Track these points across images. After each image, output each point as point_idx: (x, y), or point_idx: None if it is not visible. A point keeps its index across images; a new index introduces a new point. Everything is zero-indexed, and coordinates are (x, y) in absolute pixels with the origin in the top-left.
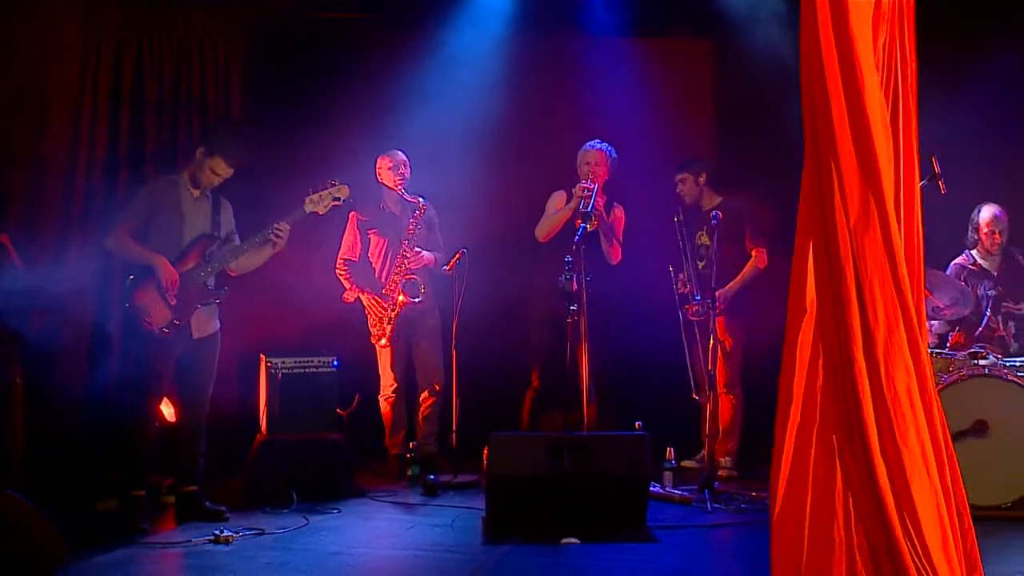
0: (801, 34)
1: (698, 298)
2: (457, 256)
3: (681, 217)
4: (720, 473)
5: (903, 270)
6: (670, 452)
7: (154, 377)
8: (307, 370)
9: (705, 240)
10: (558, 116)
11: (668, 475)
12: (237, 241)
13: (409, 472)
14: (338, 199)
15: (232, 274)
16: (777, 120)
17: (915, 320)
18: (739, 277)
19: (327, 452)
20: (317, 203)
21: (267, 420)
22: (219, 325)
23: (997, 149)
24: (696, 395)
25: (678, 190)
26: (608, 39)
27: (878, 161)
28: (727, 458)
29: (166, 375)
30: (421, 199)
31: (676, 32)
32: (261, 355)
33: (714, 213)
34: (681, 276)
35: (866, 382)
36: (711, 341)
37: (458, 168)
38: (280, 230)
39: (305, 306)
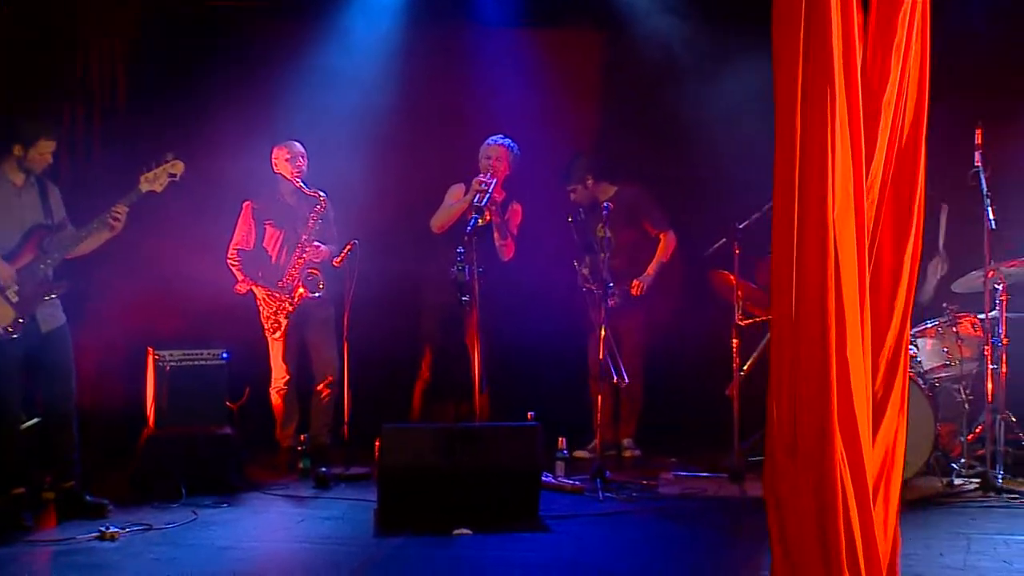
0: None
1: (611, 285)
2: (348, 248)
3: (581, 216)
4: (625, 454)
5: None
6: (562, 442)
7: (4, 377)
8: (196, 363)
9: (606, 232)
10: (450, 107)
11: (560, 465)
12: (71, 227)
13: (300, 465)
14: (174, 175)
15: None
16: (666, 108)
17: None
18: (654, 262)
19: (216, 445)
20: (153, 181)
21: (155, 414)
22: (65, 317)
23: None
24: (616, 380)
25: (572, 199)
26: (500, 30)
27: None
28: (629, 439)
29: (16, 375)
30: (322, 193)
31: (567, 23)
32: (149, 348)
33: (605, 204)
34: (584, 271)
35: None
36: (603, 329)
37: (351, 159)
38: (118, 213)
39: (195, 297)
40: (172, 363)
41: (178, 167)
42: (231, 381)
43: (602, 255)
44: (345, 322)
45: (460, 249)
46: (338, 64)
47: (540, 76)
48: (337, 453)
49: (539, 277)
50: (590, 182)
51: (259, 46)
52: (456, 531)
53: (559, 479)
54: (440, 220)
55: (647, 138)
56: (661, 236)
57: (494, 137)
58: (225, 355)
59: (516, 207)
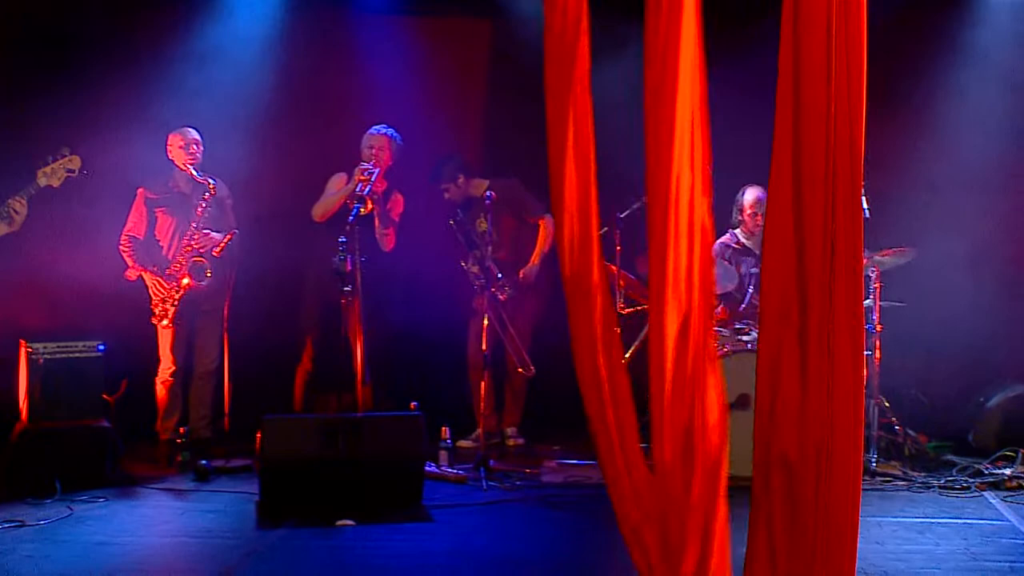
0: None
1: (501, 278)
2: (228, 238)
3: (460, 216)
4: (509, 443)
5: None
6: (445, 432)
7: None
8: (71, 355)
9: (485, 226)
10: (333, 95)
11: (444, 454)
12: None
13: (180, 458)
14: (71, 171)
15: None
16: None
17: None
18: (537, 251)
19: (92, 439)
20: (50, 176)
21: (28, 408)
22: None
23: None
24: (522, 370)
25: (446, 197)
26: (384, 17)
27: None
28: (512, 428)
29: None
30: (212, 180)
31: (453, 11)
32: (21, 341)
33: (487, 194)
34: (475, 268)
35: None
36: (484, 320)
37: (232, 147)
38: (16, 207)
39: (73, 288)
40: (46, 356)
41: (75, 162)
42: (109, 373)
43: (487, 249)
44: (225, 312)
45: (342, 239)
46: (220, 50)
47: (424, 65)
48: (217, 446)
49: (421, 267)
50: (461, 180)
51: (142, 30)
52: (339, 522)
53: (443, 469)
54: (321, 209)
55: (534, 127)
56: (540, 223)
57: (377, 127)
58: (101, 347)
59: (398, 197)
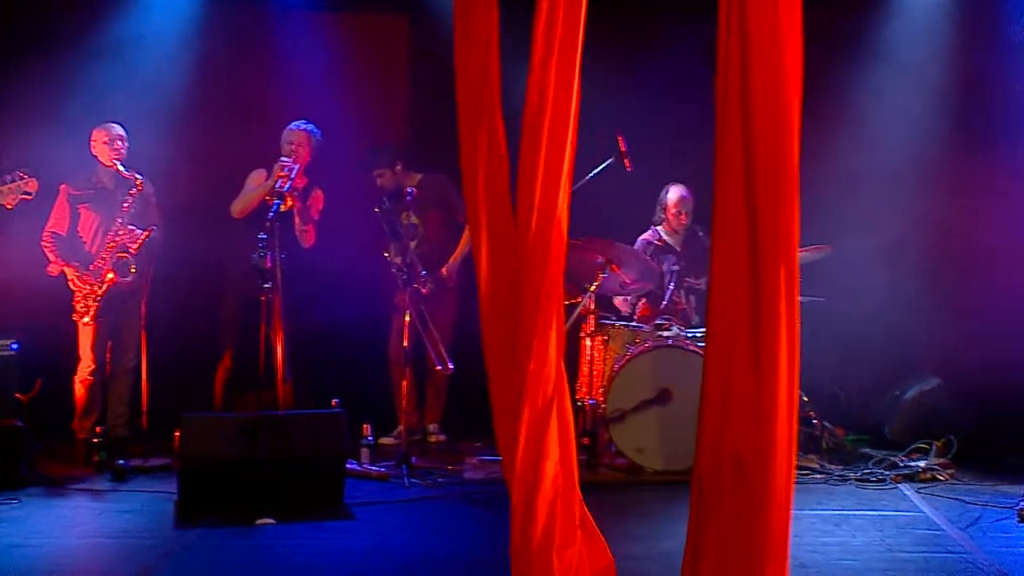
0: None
1: (424, 274)
2: (146, 234)
3: (387, 204)
4: (431, 440)
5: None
6: (367, 429)
7: None
8: None
9: (413, 219)
10: (253, 91)
11: (366, 452)
12: None
13: (97, 457)
14: (28, 194)
15: None
16: None
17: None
18: (458, 251)
19: (5, 439)
20: (5, 195)
21: None
22: None
23: (685, 132)
24: (440, 367)
25: (378, 183)
26: (303, 13)
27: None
28: (434, 424)
29: None
30: (139, 176)
31: (372, 7)
32: None
33: (409, 191)
34: (397, 260)
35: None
36: (406, 316)
37: (150, 143)
38: None
39: None
40: None
41: (32, 185)
42: (24, 372)
43: (411, 243)
44: (143, 310)
45: (261, 235)
46: (136, 44)
47: (343, 61)
48: (136, 445)
49: (342, 263)
50: (399, 168)
51: (58, 24)
52: (259, 521)
53: (364, 466)
54: (240, 206)
55: (452, 124)
56: (467, 226)
57: (297, 122)
58: (14, 345)
59: (318, 193)
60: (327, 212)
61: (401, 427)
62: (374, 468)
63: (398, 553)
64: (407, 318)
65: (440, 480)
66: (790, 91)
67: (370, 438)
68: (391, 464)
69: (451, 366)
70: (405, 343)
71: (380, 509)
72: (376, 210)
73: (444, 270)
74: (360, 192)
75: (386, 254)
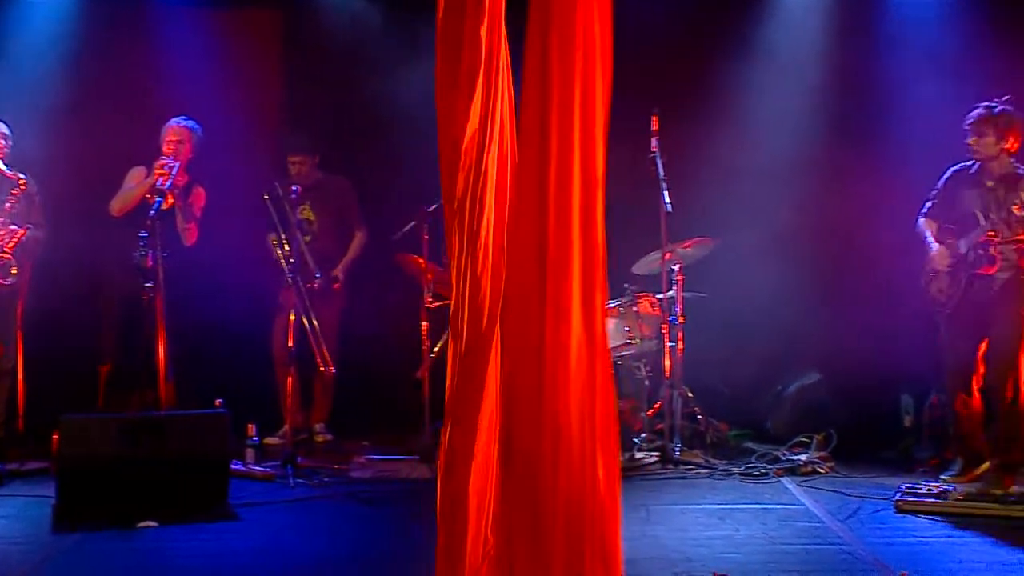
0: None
1: (319, 276)
2: (21, 234)
3: (279, 193)
4: (317, 439)
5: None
6: (252, 429)
7: None
8: None
9: (308, 215)
10: (131, 87)
11: (250, 452)
12: None
13: None
14: None
15: None
16: (353, 90)
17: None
18: (346, 259)
19: None
20: None
21: None
22: None
23: None
24: (323, 367)
25: (293, 171)
26: (182, 8)
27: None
28: (321, 424)
29: None
30: (22, 176)
31: (247, 3)
32: None
33: (293, 188)
34: (278, 251)
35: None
36: (291, 315)
37: (27, 140)
38: None
39: None
40: None
41: None
42: None
43: (305, 237)
44: (19, 310)
45: (143, 233)
46: (12, 39)
47: (224, 56)
48: (12, 448)
49: (225, 261)
50: (316, 160)
51: None
52: (141, 524)
53: (249, 466)
54: (120, 204)
55: (327, 119)
56: (357, 233)
57: (177, 119)
58: None
59: (199, 190)
60: (209, 209)
61: (286, 427)
62: (259, 468)
63: (283, 554)
64: (292, 317)
65: (326, 480)
66: (593, 91)
67: (255, 438)
68: (277, 464)
69: (332, 368)
70: (290, 342)
71: (265, 510)
72: (265, 197)
73: (338, 271)
74: (242, 189)
75: (273, 241)
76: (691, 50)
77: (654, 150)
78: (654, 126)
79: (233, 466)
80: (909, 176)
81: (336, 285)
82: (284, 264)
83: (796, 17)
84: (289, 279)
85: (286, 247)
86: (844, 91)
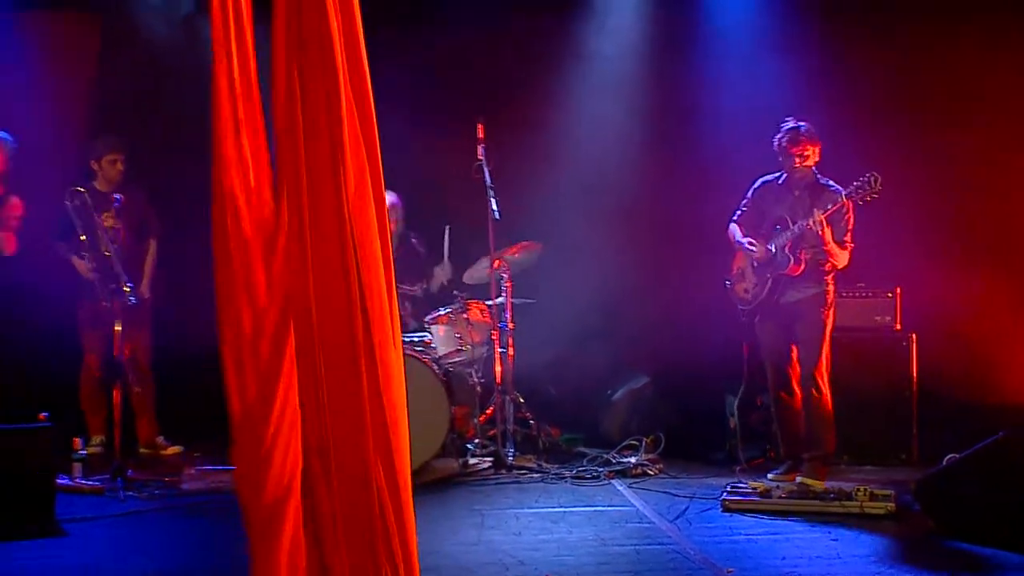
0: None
1: (131, 285)
2: None
3: (83, 196)
4: (165, 452)
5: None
6: (78, 443)
7: None
8: None
9: (116, 224)
10: None
11: (77, 466)
12: None
13: None
14: None
15: None
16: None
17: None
18: (148, 270)
19: None
20: None
21: None
22: None
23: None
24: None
25: (113, 171)
26: None
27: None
28: (161, 437)
29: None
30: None
31: (64, 5)
32: None
33: (116, 197)
34: (85, 260)
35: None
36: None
37: None
38: None
39: None
40: None
41: None
42: None
43: (112, 247)
44: None
45: None
46: None
47: (37, 61)
48: None
49: (43, 272)
50: (120, 166)
51: None
52: None
53: (77, 481)
54: None
55: (147, 121)
56: (151, 240)
57: None
58: None
59: (15, 201)
60: (29, 219)
61: (116, 439)
62: (87, 482)
63: (112, 569)
64: (118, 327)
65: (157, 492)
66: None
67: (82, 452)
68: (106, 477)
69: (152, 383)
70: (115, 352)
71: (94, 524)
72: (67, 202)
73: (143, 290)
74: (59, 199)
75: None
76: (515, 59)
77: (480, 158)
78: (480, 134)
79: (59, 481)
80: (725, 179)
81: (145, 295)
82: (93, 273)
83: (618, 25)
84: (102, 291)
85: (85, 260)
86: (664, 96)
